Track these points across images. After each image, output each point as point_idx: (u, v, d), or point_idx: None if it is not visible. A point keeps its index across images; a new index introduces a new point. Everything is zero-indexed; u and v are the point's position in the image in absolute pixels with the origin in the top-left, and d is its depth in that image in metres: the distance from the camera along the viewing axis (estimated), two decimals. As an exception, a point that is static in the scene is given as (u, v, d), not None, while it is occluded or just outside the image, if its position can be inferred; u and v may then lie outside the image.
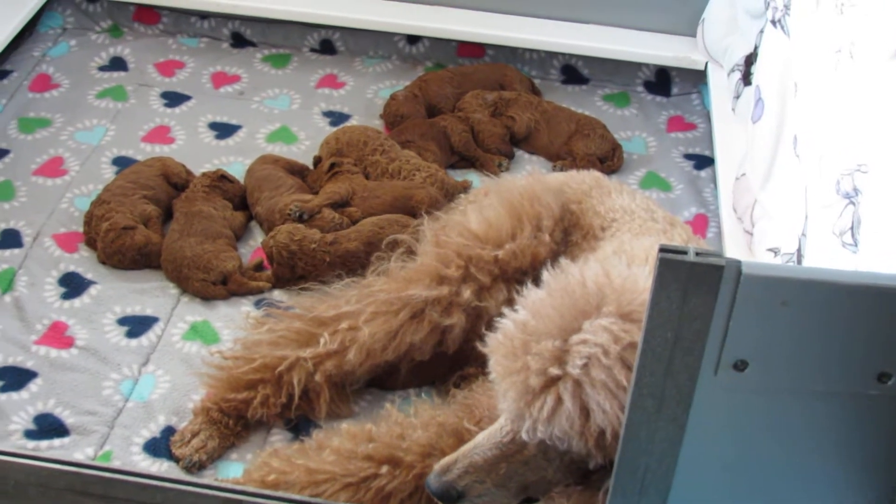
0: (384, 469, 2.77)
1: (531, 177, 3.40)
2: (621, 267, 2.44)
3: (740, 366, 2.00)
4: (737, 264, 1.90)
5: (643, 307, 2.19)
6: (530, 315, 2.35)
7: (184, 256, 3.52)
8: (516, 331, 2.34)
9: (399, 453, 2.79)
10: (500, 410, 2.39)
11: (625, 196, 3.27)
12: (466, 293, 3.07)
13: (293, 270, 3.51)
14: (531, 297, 2.41)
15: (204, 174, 3.88)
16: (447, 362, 3.21)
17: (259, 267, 3.63)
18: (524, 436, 2.30)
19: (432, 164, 3.97)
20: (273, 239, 3.53)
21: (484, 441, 2.39)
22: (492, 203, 3.23)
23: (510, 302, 3.10)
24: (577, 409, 2.24)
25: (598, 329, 2.27)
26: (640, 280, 2.37)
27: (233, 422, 3.08)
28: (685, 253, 1.91)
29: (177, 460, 3.02)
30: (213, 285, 3.50)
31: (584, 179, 3.36)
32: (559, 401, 2.24)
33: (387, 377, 3.22)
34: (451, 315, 3.08)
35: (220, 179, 3.85)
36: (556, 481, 2.42)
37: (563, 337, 2.28)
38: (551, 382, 2.25)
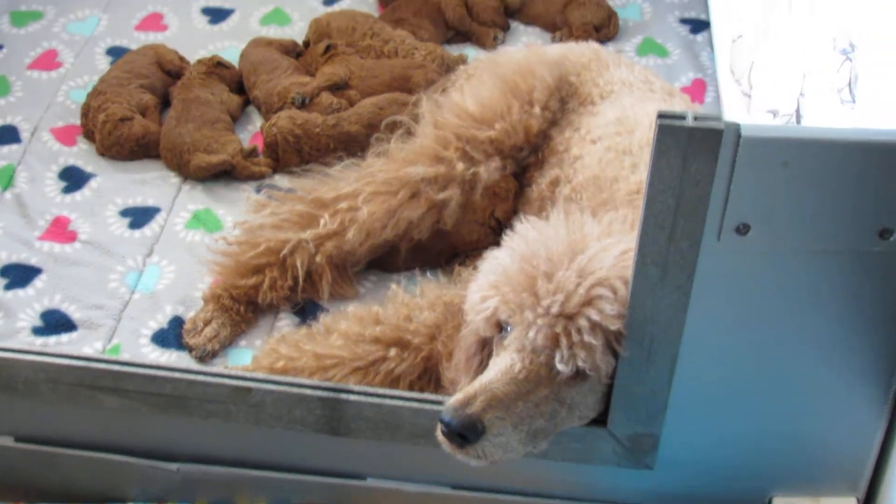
0: (392, 352, 2.77)
1: (529, 50, 3.39)
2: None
3: (742, 229, 2.00)
4: (735, 127, 1.90)
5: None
6: (526, 252, 2.31)
7: (183, 143, 3.49)
8: (522, 263, 2.29)
9: (407, 335, 2.79)
10: (511, 348, 2.29)
11: (623, 69, 3.27)
12: (460, 166, 3.07)
13: (300, 155, 3.49)
14: (514, 241, 2.39)
15: (200, 61, 3.84)
16: (447, 243, 3.21)
17: (254, 153, 3.59)
18: (560, 366, 2.21)
19: (429, 42, 3.93)
20: (275, 126, 3.51)
21: (499, 376, 2.26)
22: (485, 81, 3.23)
23: (505, 175, 3.13)
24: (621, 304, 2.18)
25: (606, 245, 2.26)
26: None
27: (243, 308, 3.08)
28: (683, 118, 1.91)
29: (190, 350, 3.01)
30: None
31: (583, 52, 3.35)
32: (600, 311, 2.18)
33: (388, 258, 3.22)
34: (447, 189, 3.08)
35: (217, 66, 3.81)
36: (562, 428, 2.36)
37: (573, 259, 2.24)
38: (589, 300, 2.19)
